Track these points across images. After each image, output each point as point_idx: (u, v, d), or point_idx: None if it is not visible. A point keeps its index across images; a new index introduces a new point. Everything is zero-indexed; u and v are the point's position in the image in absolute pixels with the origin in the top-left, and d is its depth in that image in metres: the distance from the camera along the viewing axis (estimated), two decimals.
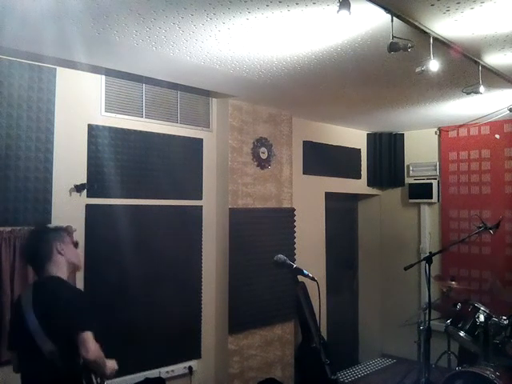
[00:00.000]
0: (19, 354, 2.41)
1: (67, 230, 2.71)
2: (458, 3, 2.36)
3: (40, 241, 2.46)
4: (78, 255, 2.62)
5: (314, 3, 2.36)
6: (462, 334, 4.19)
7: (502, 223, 4.51)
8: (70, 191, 3.53)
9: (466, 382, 3.66)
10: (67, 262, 2.47)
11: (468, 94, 3.46)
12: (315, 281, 2.42)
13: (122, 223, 3.72)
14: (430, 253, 3.93)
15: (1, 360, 3.10)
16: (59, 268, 2.42)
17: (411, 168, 6.18)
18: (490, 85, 3.71)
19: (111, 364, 2.42)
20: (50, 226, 2.73)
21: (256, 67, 3.44)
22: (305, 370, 4.87)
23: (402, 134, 6.30)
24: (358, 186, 6.20)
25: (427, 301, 3.95)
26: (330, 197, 5.73)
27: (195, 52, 3.10)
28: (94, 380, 2.33)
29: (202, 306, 4.34)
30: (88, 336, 2.22)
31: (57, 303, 2.29)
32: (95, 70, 3.57)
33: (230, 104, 4.44)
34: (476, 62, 3.25)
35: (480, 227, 4.35)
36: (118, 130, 3.81)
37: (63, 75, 3.50)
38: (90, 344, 2.21)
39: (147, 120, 4.01)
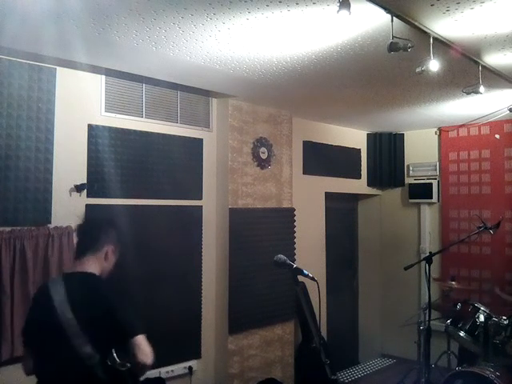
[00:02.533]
0: (39, 353, 2.18)
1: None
2: (458, 3, 2.36)
3: (103, 232, 2.31)
4: (111, 269, 2.39)
5: (314, 3, 2.36)
6: (462, 334, 4.19)
7: (502, 223, 4.51)
8: (70, 191, 3.53)
9: (466, 382, 3.65)
10: (102, 268, 2.29)
11: (468, 94, 3.46)
12: (315, 281, 2.42)
13: (121, 223, 3.71)
14: (430, 253, 3.94)
15: (1, 360, 3.10)
16: (95, 266, 2.25)
17: (411, 168, 6.18)
18: (490, 85, 3.71)
19: None
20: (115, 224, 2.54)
21: (256, 67, 3.44)
22: (305, 370, 4.87)
23: (402, 134, 6.30)
24: (358, 186, 6.20)
25: (427, 301, 3.96)
26: (330, 197, 5.73)
27: (195, 52, 3.10)
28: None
29: (202, 306, 4.34)
30: (143, 339, 2.12)
31: (106, 305, 2.10)
32: (95, 69, 3.57)
33: (230, 104, 4.44)
34: (476, 62, 3.25)
35: (480, 227, 4.35)
36: (118, 129, 3.81)
37: (63, 75, 3.50)
38: (147, 348, 2.12)
39: (147, 120, 4.01)
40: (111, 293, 2.20)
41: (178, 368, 4.11)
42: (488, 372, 3.59)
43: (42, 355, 2.18)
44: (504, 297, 4.61)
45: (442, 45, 2.87)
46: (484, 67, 3.33)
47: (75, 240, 2.38)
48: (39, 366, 2.19)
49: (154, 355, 2.16)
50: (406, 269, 3.91)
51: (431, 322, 3.92)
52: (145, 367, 2.12)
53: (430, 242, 5.93)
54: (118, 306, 2.14)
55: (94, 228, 2.36)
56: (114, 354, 2.07)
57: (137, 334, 2.11)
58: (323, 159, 5.60)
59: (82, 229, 2.38)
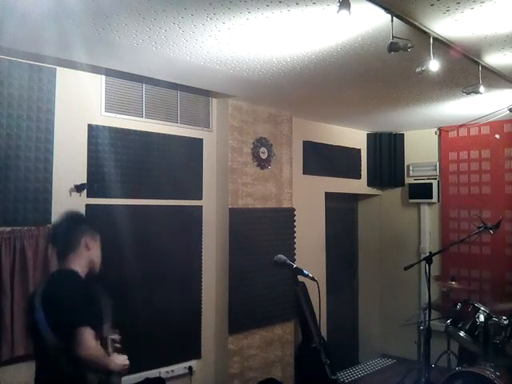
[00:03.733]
0: (33, 349, 2.40)
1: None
2: (458, 3, 2.36)
3: (72, 229, 2.43)
4: (100, 256, 2.56)
5: (314, 3, 2.36)
6: (462, 334, 4.19)
7: (502, 223, 4.51)
8: (70, 191, 3.53)
9: (466, 382, 3.66)
10: (89, 259, 2.44)
11: (468, 93, 3.46)
12: (315, 281, 2.42)
13: (122, 223, 3.72)
14: (430, 253, 3.94)
15: (1, 360, 3.10)
16: (80, 263, 2.38)
17: (411, 168, 6.18)
18: (490, 85, 3.71)
19: (120, 360, 2.38)
20: (84, 216, 2.68)
21: (256, 67, 3.44)
22: (305, 369, 4.87)
23: (402, 134, 6.30)
24: (358, 186, 6.20)
25: (427, 301, 3.95)
26: (330, 197, 5.73)
27: (195, 52, 3.10)
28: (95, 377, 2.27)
29: (202, 306, 4.34)
30: (84, 331, 2.16)
31: (60, 296, 2.25)
32: (95, 69, 3.57)
33: (230, 104, 4.44)
34: (476, 62, 3.25)
35: (480, 227, 4.35)
36: (118, 129, 3.81)
37: (63, 75, 3.50)
38: (85, 340, 2.15)
39: (147, 120, 4.01)
40: (72, 285, 2.31)
41: (178, 368, 4.11)
42: (488, 372, 3.59)
43: (34, 350, 2.41)
44: (503, 308, 4.55)
45: (442, 45, 2.87)
46: (484, 67, 3.32)
47: (50, 246, 2.56)
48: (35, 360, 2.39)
49: (94, 350, 2.21)
50: (406, 269, 3.91)
51: (431, 322, 3.92)
52: (82, 359, 2.17)
53: (429, 242, 5.93)
54: (71, 296, 2.24)
55: (64, 230, 2.43)
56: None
57: (80, 326, 2.17)
58: (323, 159, 5.60)
59: (55, 233, 2.51)
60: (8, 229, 3.16)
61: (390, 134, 6.29)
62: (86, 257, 2.43)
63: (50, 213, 3.40)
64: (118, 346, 2.49)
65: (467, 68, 3.38)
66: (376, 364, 6.17)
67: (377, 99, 4.45)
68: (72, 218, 2.51)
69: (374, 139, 6.33)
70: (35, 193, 3.33)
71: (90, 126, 3.65)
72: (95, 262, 2.50)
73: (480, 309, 4.13)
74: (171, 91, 4.16)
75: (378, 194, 6.48)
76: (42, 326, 2.19)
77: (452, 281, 4.63)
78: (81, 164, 3.60)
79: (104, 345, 2.36)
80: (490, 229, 4.32)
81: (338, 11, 2.18)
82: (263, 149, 4.69)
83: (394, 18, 2.44)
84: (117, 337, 2.50)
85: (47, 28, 2.63)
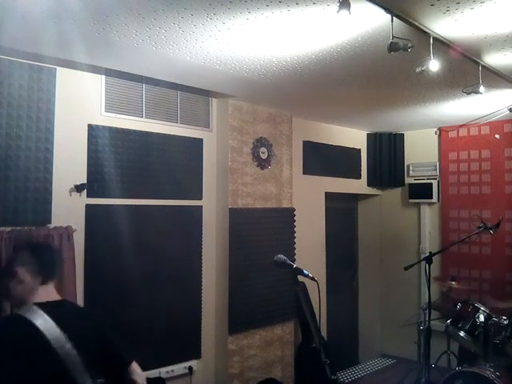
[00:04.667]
0: None
1: None
2: (458, 3, 2.36)
3: (58, 258, 2.22)
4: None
5: (314, 3, 2.36)
6: (462, 334, 4.19)
7: (502, 223, 4.51)
8: (70, 191, 3.53)
9: (466, 382, 3.66)
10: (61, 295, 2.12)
11: (468, 94, 3.46)
12: (315, 281, 2.42)
13: (122, 223, 3.72)
14: (430, 253, 3.93)
15: None
16: (59, 295, 2.08)
17: (411, 168, 6.18)
18: (490, 85, 3.71)
19: None
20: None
21: (256, 67, 3.44)
22: (305, 370, 4.87)
23: (402, 134, 6.30)
24: (358, 186, 6.20)
25: (427, 301, 3.95)
26: (330, 197, 5.73)
27: (195, 52, 3.10)
28: None
29: (202, 306, 4.34)
30: (136, 364, 2.15)
31: (103, 336, 2.07)
32: (95, 69, 3.57)
33: (229, 104, 4.44)
34: (476, 62, 3.25)
35: (480, 227, 4.35)
36: (118, 129, 3.81)
37: (63, 75, 3.50)
38: (141, 371, 2.14)
39: (147, 120, 4.01)
40: (104, 323, 2.17)
41: (178, 368, 4.11)
42: (488, 372, 3.59)
43: None
44: (502, 306, 4.57)
45: (442, 45, 2.87)
46: (484, 67, 3.32)
47: (31, 264, 2.01)
48: None
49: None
50: (405, 269, 3.91)
51: (431, 322, 3.92)
52: None
53: (429, 242, 5.93)
54: (113, 337, 2.13)
55: (54, 253, 2.18)
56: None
57: (132, 361, 2.14)
58: (323, 159, 5.60)
59: (42, 253, 2.13)
60: (8, 229, 3.15)
61: (389, 134, 6.29)
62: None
63: (50, 213, 3.39)
64: None
65: (467, 68, 3.38)
66: (376, 364, 6.17)
67: (377, 99, 4.45)
68: (53, 250, 2.28)
69: (374, 139, 6.33)
70: (35, 193, 3.33)
71: (89, 126, 3.65)
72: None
73: (480, 309, 4.13)
74: (171, 91, 4.16)
75: (378, 194, 6.48)
76: (80, 372, 1.91)
77: (452, 281, 4.63)
78: (81, 164, 3.60)
79: None
80: (490, 229, 4.32)
81: (338, 11, 2.18)
82: (263, 149, 4.69)
83: (394, 17, 2.44)
84: None
85: (47, 28, 2.63)
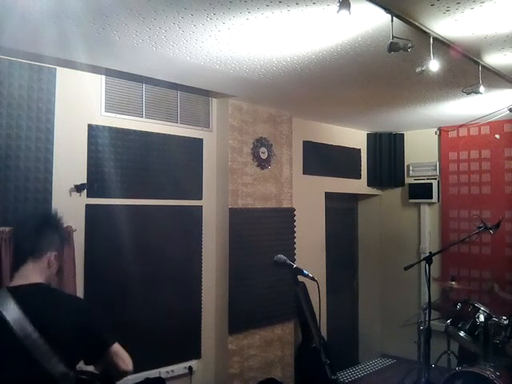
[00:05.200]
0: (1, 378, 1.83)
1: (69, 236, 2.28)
2: (458, 3, 2.36)
3: (41, 235, 1.98)
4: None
5: (314, 3, 2.36)
6: (462, 334, 4.19)
7: (502, 223, 4.51)
8: (70, 191, 3.53)
9: (466, 382, 3.66)
10: (46, 278, 2.00)
11: (468, 94, 3.46)
12: (315, 281, 2.42)
13: (122, 223, 3.72)
14: (430, 253, 3.93)
15: None
16: (39, 277, 1.95)
17: (411, 168, 6.18)
18: (490, 85, 3.71)
19: None
20: (56, 223, 2.11)
21: (256, 67, 3.44)
22: (305, 370, 4.87)
23: (402, 134, 6.30)
24: (358, 186, 6.20)
25: (427, 301, 3.95)
26: (330, 197, 5.73)
27: (195, 52, 3.10)
28: None
29: (202, 306, 4.34)
30: (119, 347, 1.99)
31: (76, 319, 1.91)
32: (95, 69, 3.57)
33: (230, 104, 4.44)
34: (476, 62, 3.25)
35: (480, 227, 4.35)
36: (118, 129, 3.81)
37: (63, 75, 3.50)
38: (124, 355, 1.99)
39: (147, 120, 4.01)
40: (78, 305, 2.07)
41: (178, 368, 4.11)
42: (488, 372, 3.59)
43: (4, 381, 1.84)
44: (503, 295, 4.60)
45: (442, 45, 2.87)
46: (484, 67, 3.32)
47: (12, 245, 1.97)
48: None
49: (131, 360, 2.02)
50: (405, 269, 3.91)
51: (431, 322, 3.92)
52: (126, 374, 2.00)
53: (429, 242, 5.93)
54: (88, 319, 1.97)
55: (34, 231, 1.98)
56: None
57: (113, 343, 1.97)
58: (323, 159, 5.60)
59: (20, 232, 2.04)
60: (8, 229, 3.15)
61: (389, 134, 6.29)
62: (44, 273, 2.00)
63: None
64: None
65: (467, 68, 3.38)
66: (376, 364, 6.17)
67: (377, 99, 4.45)
68: (49, 223, 2.07)
69: (374, 139, 6.33)
70: (35, 193, 3.33)
71: (90, 126, 3.65)
72: (48, 283, 2.06)
73: (480, 309, 4.13)
74: (171, 91, 4.16)
75: (378, 194, 6.48)
76: (42, 353, 1.80)
77: (452, 281, 4.63)
78: (81, 164, 3.60)
79: None
80: (490, 229, 4.32)
81: (338, 11, 2.18)
82: (263, 149, 4.69)
83: (394, 17, 2.44)
84: None
85: (47, 28, 2.63)
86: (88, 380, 1.97)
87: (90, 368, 2.03)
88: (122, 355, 1.98)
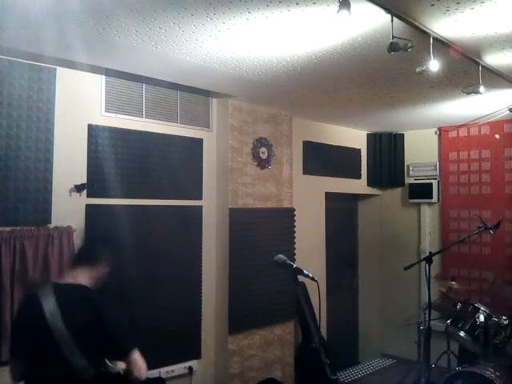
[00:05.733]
0: (30, 362, 2.15)
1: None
2: (458, 3, 2.36)
3: (101, 247, 2.46)
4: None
5: (313, 3, 2.36)
6: (462, 334, 4.19)
7: (502, 223, 4.51)
8: (70, 191, 3.53)
9: (466, 382, 3.66)
10: (95, 281, 2.37)
11: (468, 94, 3.46)
12: (315, 281, 2.42)
13: (122, 223, 3.72)
14: (430, 253, 3.93)
15: (1, 360, 3.10)
16: (88, 280, 2.30)
17: (411, 168, 6.18)
18: (490, 85, 3.71)
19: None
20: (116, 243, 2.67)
21: (256, 67, 3.44)
22: (305, 370, 4.87)
23: (402, 134, 6.29)
24: (358, 186, 6.20)
25: (427, 301, 3.95)
26: (330, 197, 5.73)
27: (195, 52, 3.10)
28: None
29: (202, 306, 4.34)
30: (138, 355, 2.14)
31: (102, 321, 2.13)
32: (95, 69, 3.57)
33: (230, 104, 4.44)
34: (476, 62, 3.25)
35: (480, 227, 4.35)
36: (118, 130, 3.81)
37: (63, 75, 3.50)
38: (142, 363, 2.14)
39: (147, 120, 4.01)
40: (107, 309, 2.22)
41: (178, 368, 4.11)
42: (488, 372, 3.59)
43: (33, 365, 2.15)
44: (504, 290, 4.60)
45: (442, 45, 2.87)
46: (484, 67, 3.32)
47: (75, 248, 2.48)
48: (30, 375, 2.17)
49: (147, 368, 2.18)
50: (405, 269, 3.91)
51: (431, 322, 3.92)
52: (138, 380, 2.14)
53: (429, 242, 5.93)
54: (114, 323, 2.17)
55: (95, 242, 2.47)
56: (108, 363, 2.13)
57: (132, 351, 2.14)
58: (323, 159, 5.60)
59: (85, 240, 2.57)
60: (8, 229, 3.16)
61: (390, 134, 6.29)
62: (94, 277, 2.37)
63: (50, 213, 3.40)
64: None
65: (467, 68, 3.38)
66: (376, 364, 6.17)
67: (377, 99, 4.44)
68: (108, 238, 2.62)
69: (374, 139, 6.33)
70: (35, 193, 3.33)
71: (90, 126, 3.65)
72: (95, 285, 2.40)
73: (480, 309, 4.14)
74: (171, 91, 4.16)
75: (378, 194, 6.48)
76: (67, 345, 2.05)
77: (452, 281, 4.63)
78: (81, 164, 3.60)
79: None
80: (490, 229, 4.32)
81: (338, 11, 2.18)
82: (263, 149, 4.69)
83: (394, 17, 2.44)
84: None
85: (47, 28, 2.63)
86: (106, 373, 2.13)
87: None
88: (137, 364, 2.13)
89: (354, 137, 6.13)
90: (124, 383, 2.19)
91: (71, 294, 2.19)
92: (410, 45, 2.50)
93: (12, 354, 2.26)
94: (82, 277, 2.28)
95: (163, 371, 3.96)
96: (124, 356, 2.13)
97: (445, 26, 2.64)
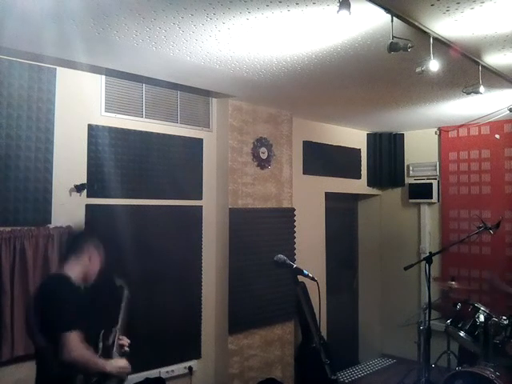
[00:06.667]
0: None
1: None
2: (458, 3, 2.36)
3: (81, 241, 2.64)
4: (98, 268, 2.66)
5: (313, 3, 2.36)
6: (462, 334, 4.19)
7: (502, 223, 4.51)
8: (70, 191, 3.53)
9: (466, 382, 3.66)
10: (87, 269, 2.58)
11: (468, 94, 3.46)
12: (315, 281, 2.43)
13: (121, 223, 3.72)
14: (430, 253, 3.94)
15: (1, 360, 3.10)
16: (76, 269, 2.51)
17: (411, 168, 6.18)
18: (490, 85, 3.71)
19: (118, 363, 2.45)
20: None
21: (256, 67, 3.44)
22: (305, 370, 4.87)
23: (402, 134, 6.30)
24: (358, 186, 6.20)
25: (427, 301, 3.95)
26: (330, 197, 5.73)
27: (195, 52, 3.10)
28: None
29: (202, 306, 4.34)
30: (68, 336, 2.22)
31: (47, 299, 2.33)
32: (95, 69, 3.57)
33: (229, 104, 4.44)
34: (476, 62, 3.25)
35: (480, 227, 4.35)
36: (118, 129, 3.81)
37: (63, 75, 3.50)
38: (69, 343, 2.21)
39: (147, 120, 4.01)
40: (52, 289, 2.40)
41: (178, 368, 4.11)
42: (488, 372, 3.59)
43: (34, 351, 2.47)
44: (504, 288, 4.61)
45: (442, 45, 2.87)
46: (484, 67, 3.32)
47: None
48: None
49: (82, 354, 2.25)
50: (405, 269, 3.91)
51: (431, 322, 3.92)
52: (69, 362, 2.21)
53: (429, 242, 5.93)
54: (51, 302, 2.32)
55: (78, 234, 2.80)
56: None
57: (67, 330, 2.23)
58: (323, 159, 5.60)
59: (70, 238, 2.82)
60: (8, 229, 3.16)
61: (390, 134, 6.29)
62: (85, 266, 2.56)
63: (50, 213, 3.40)
64: (125, 350, 2.60)
65: (467, 68, 3.38)
66: (376, 364, 6.17)
67: (377, 99, 4.45)
68: (88, 233, 2.78)
69: (374, 139, 6.33)
70: (35, 193, 3.33)
71: (90, 126, 3.65)
72: (91, 274, 2.60)
73: (480, 309, 4.13)
74: (171, 91, 4.16)
75: (378, 194, 6.48)
76: (33, 327, 2.31)
77: (452, 281, 4.63)
78: (81, 164, 3.60)
79: (102, 348, 2.42)
80: (490, 229, 4.32)
81: (338, 11, 2.18)
82: (263, 149, 4.69)
83: (394, 17, 2.44)
84: (125, 342, 2.61)
85: (47, 28, 2.64)
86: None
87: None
88: (68, 344, 2.21)
89: (353, 137, 6.13)
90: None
91: (44, 280, 2.62)
92: (410, 45, 2.50)
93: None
94: (69, 269, 2.48)
95: (163, 371, 3.96)
96: (57, 334, 2.24)
97: (445, 26, 2.64)
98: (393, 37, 2.47)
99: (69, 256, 2.55)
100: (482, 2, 2.35)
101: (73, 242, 2.71)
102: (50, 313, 2.29)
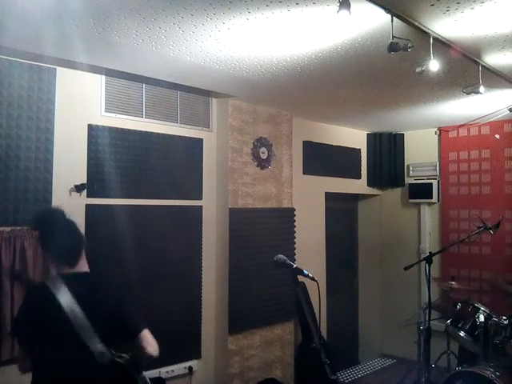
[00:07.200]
0: (45, 352, 2.19)
1: None
2: (458, 3, 2.36)
3: (78, 233, 2.38)
4: None
5: (313, 3, 2.36)
6: (462, 333, 4.19)
7: (502, 223, 4.51)
8: (70, 191, 3.53)
9: (466, 382, 3.66)
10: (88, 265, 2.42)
11: (468, 94, 3.46)
12: (315, 281, 2.42)
13: (121, 223, 3.72)
14: (430, 253, 3.94)
15: (1, 360, 3.10)
16: (87, 266, 2.37)
17: (411, 168, 6.18)
18: (490, 85, 3.71)
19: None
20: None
21: (256, 67, 3.44)
22: (305, 370, 4.87)
23: (402, 134, 6.30)
24: (358, 186, 6.20)
25: (427, 301, 3.95)
26: (330, 197, 5.73)
27: (195, 52, 3.10)
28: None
29: (202, 306, 4.34)
30: (148, 333, 2.26)
31: (113, 304, 2.24)
32: (95, 69, 3.57)
33: (230, 104, 4.44)
34: (476, 62, 3.25)
35: (480, 227, 4.35)
36: (118, 130, 3.81)
37: (63, 75, 3.50)
38: (153, 340, 2.26)
39: (147, 120, 4.01)
40: (116, 292, 2.34)
41: (178, 368, 4.11)
42: (488, 372, 3.59)
43: (47, 353, 2.19)
44: (506, 287, 4.61)
45: (442, 45, 2.87)
46: (484, 67, 3.32)
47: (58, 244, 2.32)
48: (44, 364, 2.20)
49: (157, 347, 2.30)
50: (405, 269, 3.91)
51: (431, 322, 3.92)
52: (152, 357, 2.25)
53: (429, 242, 5.93)
54: (124, 305, 2.29)
55: (76, 230, 2.39)
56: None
57: (144, 328, 2.25)
58: (323, 159, 5.60)
59: (67, 232, 2.36)
60: (8, 229, 3.16)
61: (390, 134, 6.29)
62: (86, 261, 2.42)
63: None
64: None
65: (467, 68, 3.38)
66: (376, 364, 6.17)
67: (377, 99, 4.45)
68: (73, 225, 2.38)
69: (374, 139, 6.33)
70: (35, 193, 3.33)
71: (90, 126, 3.65)
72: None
73: (480, 309, 4.13)
74: (171, 91, 4.16)
75: (378, 194, 6.48)
76: (85, 331, 2.13)
77: (452, 281, 4.64)
78: (81, 164, 3.60)
79: None
80: (490, 229, 4.32)
81: (338, 11, 2.18)
82: (263, 149, 4.69)
83: (394, 18, 2.44)
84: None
85: (47, 28, 2.63)
86: (121, 363, 2.19)
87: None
88: (151, 340, 2.25)
89: (353, 137, 6.13)
90: (136, 368, 2.28)
91: (81, 282, 2.26)
92: (409, 45, 2.50)
93: (22, 344, 2.30)
94: (83, 265, 2.35)
95: (163, 371, 3.96)
96: (137, 332, 2.22)
97: (445, 25, 2.64)
98: (393, 37, 2.47)
99: (78, 253, 2.35)
100: (482, 2, 2.35)
101: (75, 236, 2.46)
102: (129, 316, 2.27)
